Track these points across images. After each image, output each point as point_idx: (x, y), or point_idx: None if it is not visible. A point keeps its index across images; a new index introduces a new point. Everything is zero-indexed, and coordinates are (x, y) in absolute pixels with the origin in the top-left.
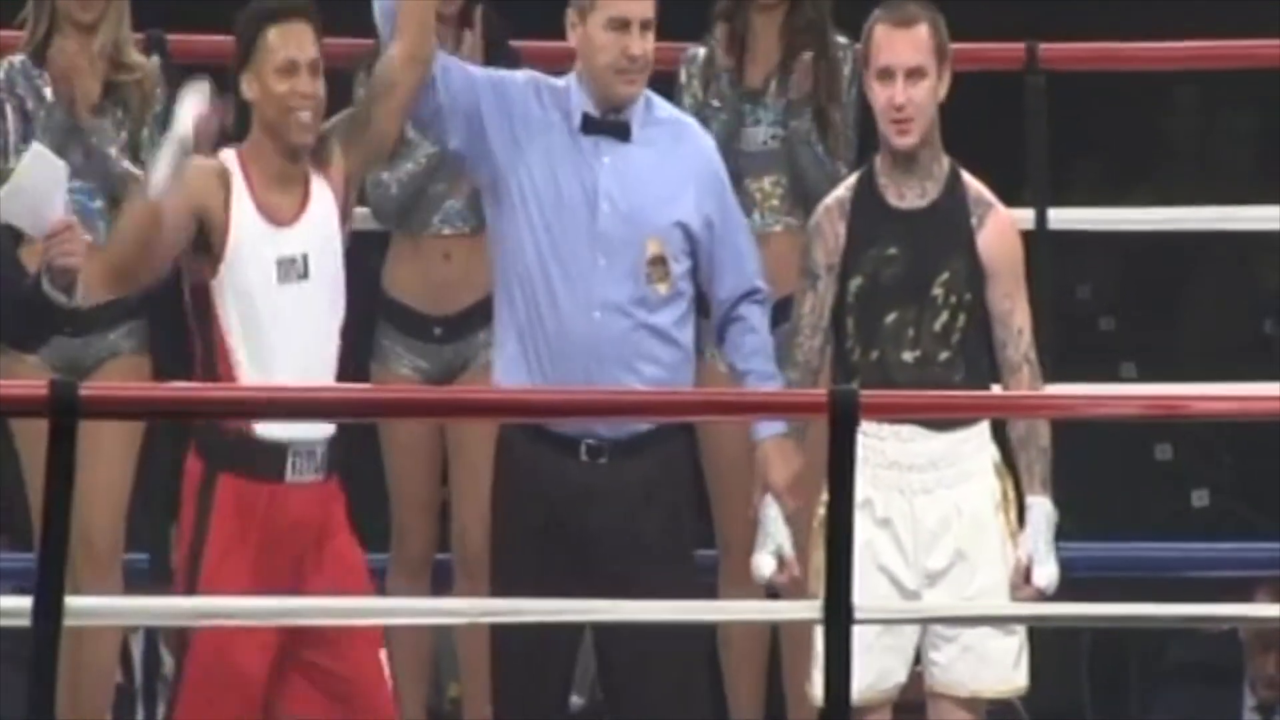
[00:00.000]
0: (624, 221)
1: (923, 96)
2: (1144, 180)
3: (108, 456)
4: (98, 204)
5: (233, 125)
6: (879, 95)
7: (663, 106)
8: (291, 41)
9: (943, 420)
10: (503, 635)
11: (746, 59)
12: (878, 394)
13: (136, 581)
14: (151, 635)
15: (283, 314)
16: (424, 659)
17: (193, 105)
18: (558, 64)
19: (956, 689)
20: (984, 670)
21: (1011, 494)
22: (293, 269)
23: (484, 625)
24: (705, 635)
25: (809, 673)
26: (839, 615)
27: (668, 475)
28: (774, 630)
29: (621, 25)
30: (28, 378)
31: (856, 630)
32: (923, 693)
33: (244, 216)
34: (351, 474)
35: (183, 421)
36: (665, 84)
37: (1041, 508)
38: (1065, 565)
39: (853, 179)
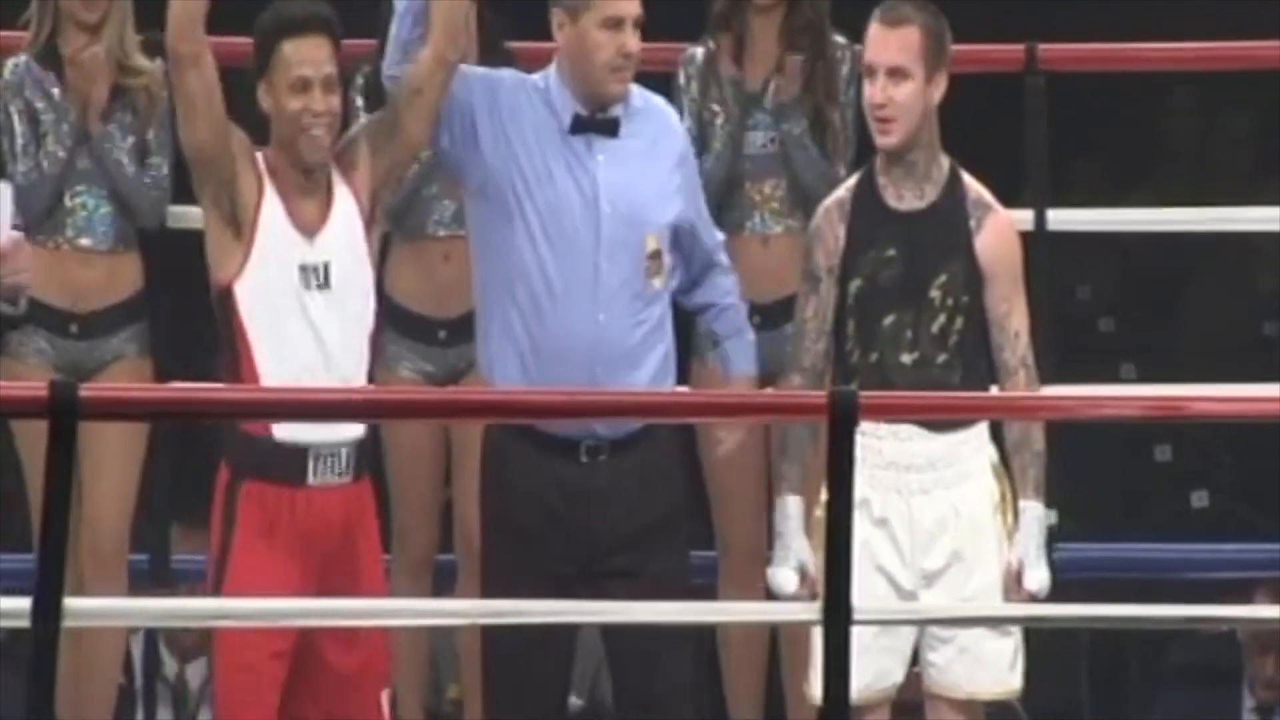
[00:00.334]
0: (625, 221)
1: (904, 97)
2: (1143, 181)
3: (115, 459)
4: (105, 209)
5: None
6: (865, 93)
7: (633, 92)
8: (306, 57)
9: (941, 421)
10: (496, 639)
11: (745, 61)
12: (877, 395)
13: (136, 582)
14: (151, 636)
15: (306, 321)
16: (422, 660)
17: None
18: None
19: (953, 690)
20: (980, 672)
21: (1009, 496)
22: (315, 277)
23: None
24: (706, 630)
25: (806, 673)
26: (838, 616)
27: (663, 465)
28: (773, 630)
29: (616, 24)
30: (30, 380)
31: (854, 630)
32: (921, 693)
33: (273, 218)
34: None
35: (181, 423)
36: (663, 85)
37: (1034, 512)
38: (1065, 566)
39: (853, 180)
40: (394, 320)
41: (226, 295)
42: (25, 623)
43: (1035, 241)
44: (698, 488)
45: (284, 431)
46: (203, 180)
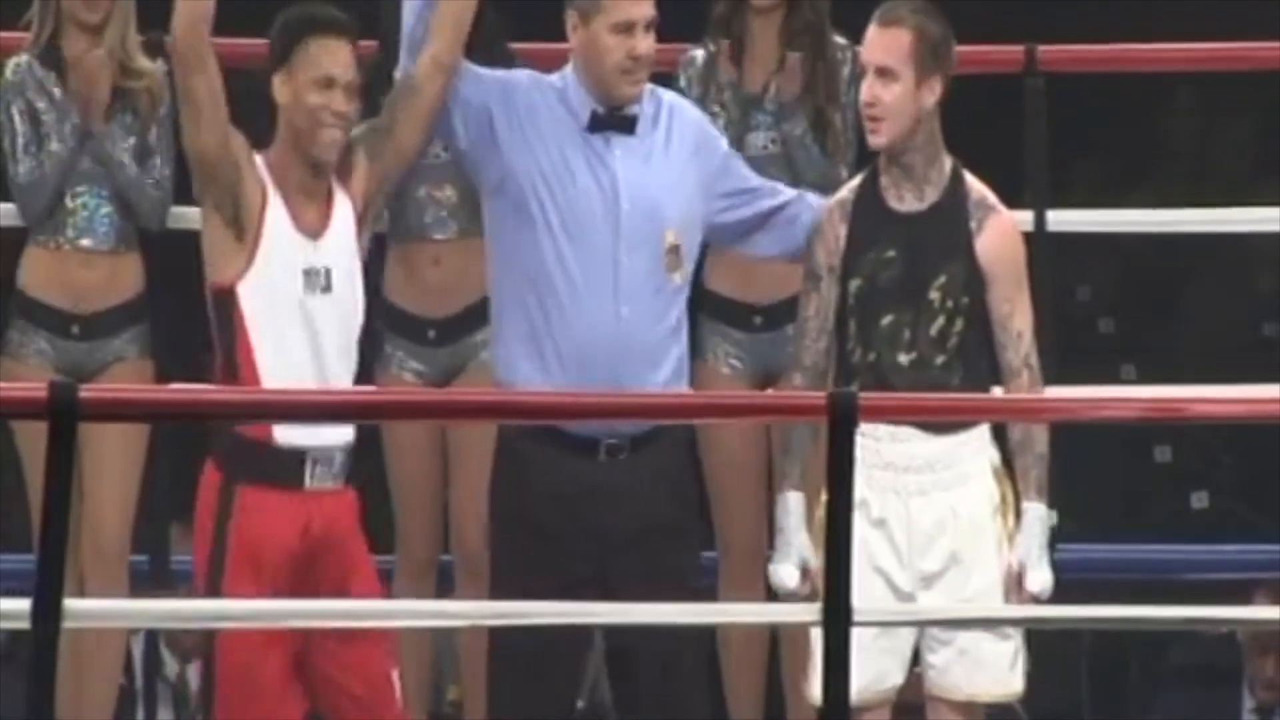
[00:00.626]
0: (646, 217)
1: (892, 98)
2: (1143, 182)
3: (116, 461)
4: (106, 210)
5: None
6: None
7: (647, 90)
8: (334, 57)
9: (939, 423)
10: (508, 639)
11: (745, 62)
12: (877, 396)
13: (136, 583)
14: (152, 636)
15: (307, 324)
16: (424, 662)
17: None
18: (555, 65)
19: (953, 692)
20: (979, 674)
21: (1011, 498)
22: (317, 281)
23: (486, 628)
24: (707, 631)
25: (807, 673)
26: (838, 617)
27: (679, 462)
28: (773, 630)
29: (627, 28)
30: (30, 380)
31: (853, 631)
32: (922, 694)
33: (277, 222)
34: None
35: (181, 424)
36: (664, 86)
37: (1036, 513)
38: (1064, 567)
39: (856, 180)
40: (389, 321)
41: (228, 297)
42: (25, 624)
43: (1035, 242)
44: (698, 487)
45: (284, 435)
46: (206, 184)
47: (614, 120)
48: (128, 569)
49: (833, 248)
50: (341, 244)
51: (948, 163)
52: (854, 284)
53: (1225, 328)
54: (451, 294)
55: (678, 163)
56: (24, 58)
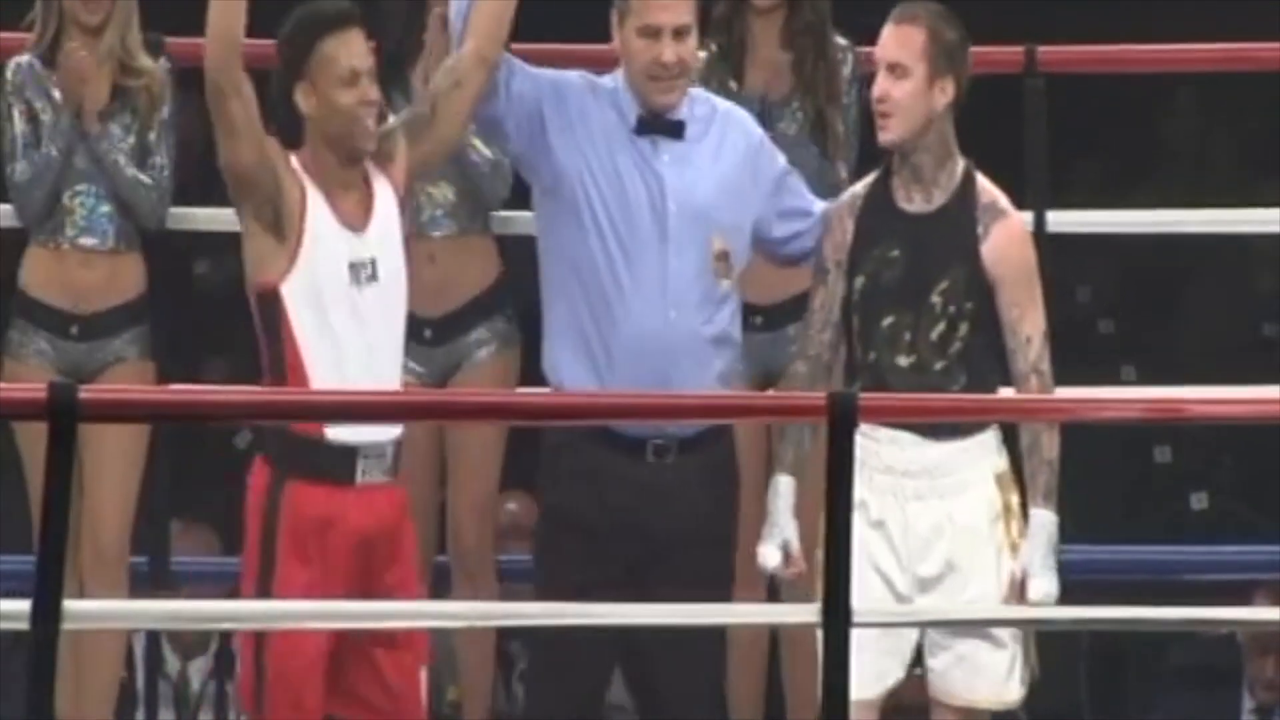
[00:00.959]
0: (692, 221)
1: (901, 95)
2: (1143, 182)
3: (116, 462)
4: (105, 209)
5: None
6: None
7: (701, 97)
8: (351, 49)
9: (941, 428)
10: (544, 636)
11: (746, 63)
12: (877, 397)
13: (136, 584)
14: (154, 634)
15: (355, 317)
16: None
17: None
18: (555, 66)
19: (953, 698)
20: (978, 680)
21: (1015, 505)
22: (363, 272)
23: (484, 628)
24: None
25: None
26: (837, 618)
27: (726, 465)
28: (774, 630)
29: (653, 33)
30: (31, 381)
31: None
32: (922, 695)
33: (319, 218)
34: None
35: (180, 424)
36: None
37: (1040, 520)
38: (1064, 568)
39: (870, 177)
40: None
41: (272, 296)
42: (25, 625)
43: (1035, 243)
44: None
45: (335, 432)
46: (244, 194)
47: (660, 124)
48: (128, 569)
49: (840, 242)
50: (385, 233)
51: (959, 167)
52: (858, 280)
53: (1225, 328)
54: (446, 292)
55: (727, 170)
56: (25, 58)
